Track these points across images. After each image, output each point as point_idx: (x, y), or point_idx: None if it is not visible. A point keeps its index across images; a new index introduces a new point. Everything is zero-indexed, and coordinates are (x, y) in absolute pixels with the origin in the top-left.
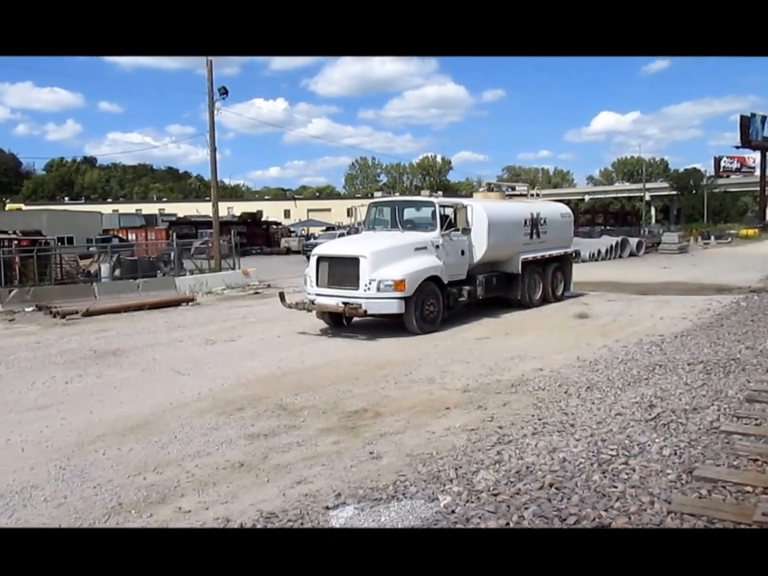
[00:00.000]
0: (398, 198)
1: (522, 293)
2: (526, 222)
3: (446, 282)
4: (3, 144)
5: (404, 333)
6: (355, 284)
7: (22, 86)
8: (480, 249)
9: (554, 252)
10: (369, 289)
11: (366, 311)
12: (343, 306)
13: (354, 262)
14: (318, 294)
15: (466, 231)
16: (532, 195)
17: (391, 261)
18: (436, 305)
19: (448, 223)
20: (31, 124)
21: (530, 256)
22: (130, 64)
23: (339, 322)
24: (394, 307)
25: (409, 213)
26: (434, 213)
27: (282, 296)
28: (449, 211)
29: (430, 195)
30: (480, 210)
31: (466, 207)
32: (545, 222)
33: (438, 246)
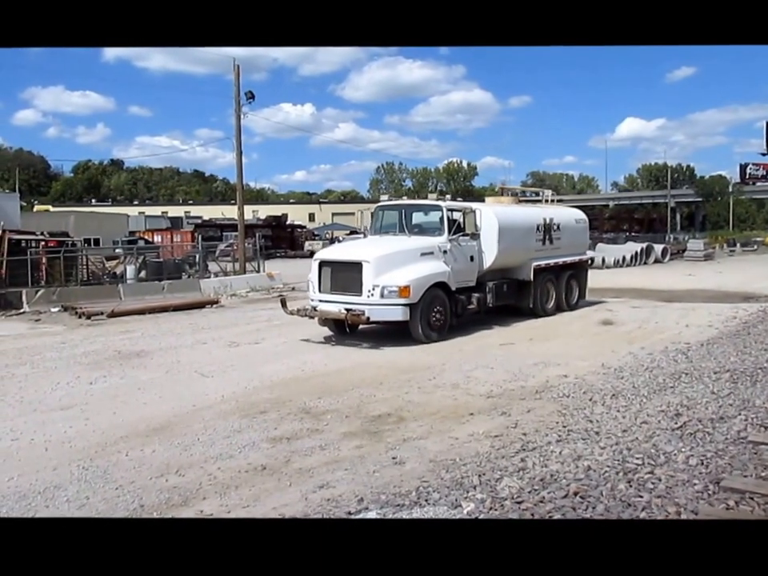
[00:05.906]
0: (405, 201)
1: (534, 301)
2: (538, 228)
3: (453, 288)
4: (33, 147)
5: None
6: (358, 290)
7: (53, 90)
8: (490, 255)
9: (568, 259)
10: (372, 295)
11: (368, 318)
12: (345, 312)
13: (356, 267)
14: (320, 300)
15: (475, 236)
16: (547, 201)
17: (396, 266)
18: (443, 312)
19: (456, 228)
20: (62, 127)
21: (542, 263)
22: (160, 68)
23: (344, 330)
24: (398, 314)
25: (416, 217)
26: (441, 217)
27: (283, 302)
28: (457, 215)
29: (437, 198)
30: (490, 214)
31: (475, 211)
32: (558, 227)
33: (445, 252)
